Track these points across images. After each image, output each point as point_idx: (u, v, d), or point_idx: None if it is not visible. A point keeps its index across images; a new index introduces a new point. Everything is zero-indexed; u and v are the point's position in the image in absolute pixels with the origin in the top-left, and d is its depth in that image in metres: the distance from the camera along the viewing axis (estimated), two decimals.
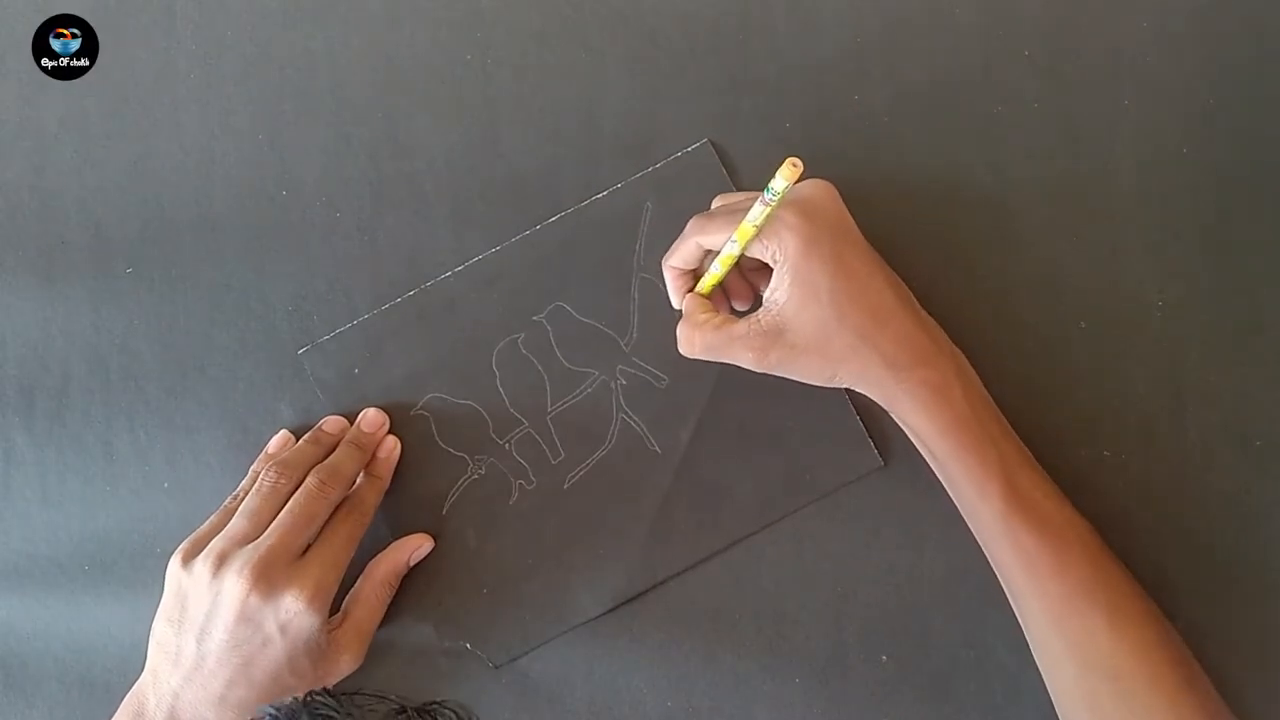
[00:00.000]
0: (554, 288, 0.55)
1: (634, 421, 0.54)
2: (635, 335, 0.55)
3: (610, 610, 0.53)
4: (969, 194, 0.54)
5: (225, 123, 0.57)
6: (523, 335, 0.55)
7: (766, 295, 0.48)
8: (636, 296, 0.55)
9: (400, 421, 0.54)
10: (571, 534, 0.54)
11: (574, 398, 0.55)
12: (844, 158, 0.54)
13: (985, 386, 0.49)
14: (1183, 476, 0.53)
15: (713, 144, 0.54)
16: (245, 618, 0.47)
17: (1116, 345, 0.53)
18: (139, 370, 0.56)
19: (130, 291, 0.56)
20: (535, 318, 0.55)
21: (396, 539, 0.54)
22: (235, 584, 0.47)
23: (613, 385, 0.55)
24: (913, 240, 0.53)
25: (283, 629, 0.48)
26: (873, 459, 0.53)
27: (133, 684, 0.50)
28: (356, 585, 0.53)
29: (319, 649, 0.49)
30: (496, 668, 0.53)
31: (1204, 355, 0.53)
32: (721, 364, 0.50)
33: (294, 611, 0.48)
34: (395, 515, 0.54)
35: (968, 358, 0.49)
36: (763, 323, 0.48)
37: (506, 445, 0.54)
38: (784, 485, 0.53)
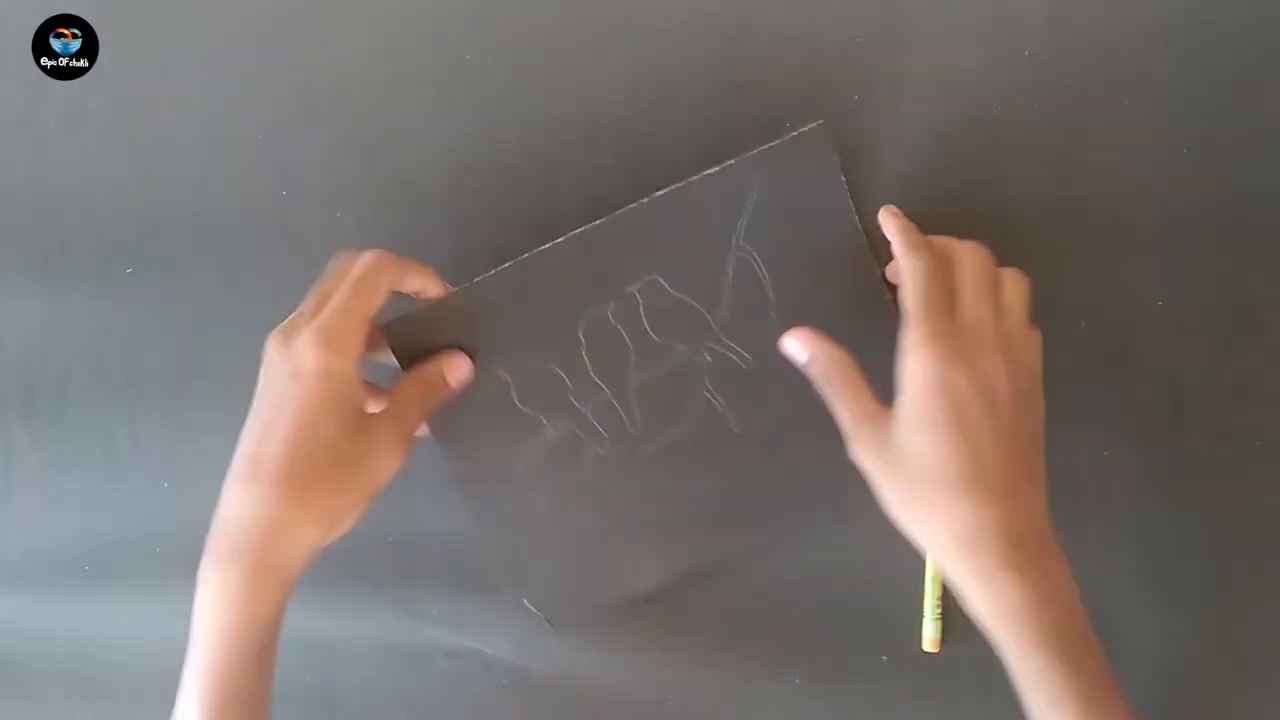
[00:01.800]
0: (650, 260, 0.53)
1: (716, 400, 0.54)
2: (726, 314, 0.53)
3: (672, 583, 0.53)
4: (969, 194, 0.54)
5: (225, 122, 0.57)
6: (613, 306, 0.53)
7: (898, 385, 0.45)
8: (731, 274, 0.53)
9: (480, 384, 0.53)
10: (642, 504, 0.54)
11: (658, 371, 0.54)
12: (843, 157, 0.54)
13: None
14: (1183, 476, 0.53)
15: (827, 126, 0.52)
16: (269, 370, 0.47)
17: (1116, 345, 0.53)
18: (139, 370, 0.56)
19: (131, 291, 0.56)
20: (628, 289, 0.54)
21: (468, 499, 0.53)
22: (278, 349, 0.47)
23: (698, 362, 0.54)
24: None
25: (295, 373, 0.46)
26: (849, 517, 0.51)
27: (132, 683, 0.50)
28: (394, 385, 0.51)
29: (345, 411, 0.46)
30: (554, 627, 0.53)
31: (1204, 355, 0.53)
32: None
33: (302, 348, 0.45)
34: (468, 472, 0.54)
35: None
36: (877, 415, 0.45)
37: (585, 410, 0.54)
38: (861, 481, 0.49)
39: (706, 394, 0.54)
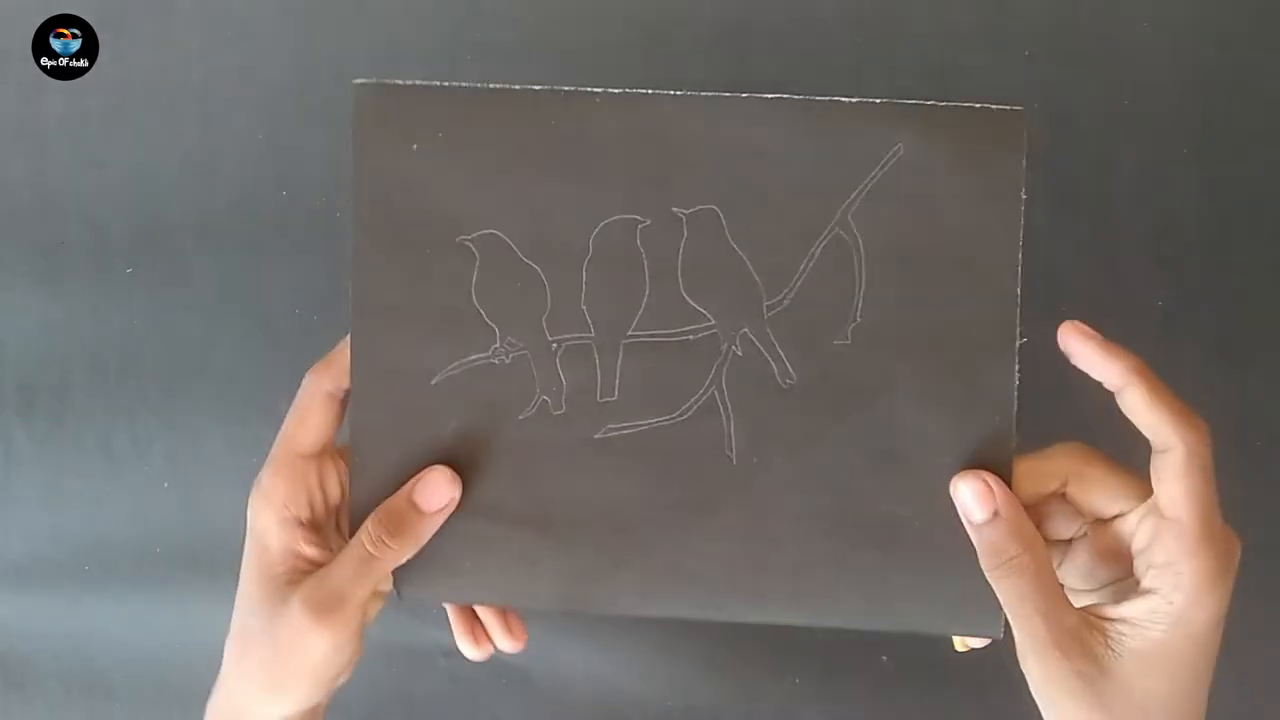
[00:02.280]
0: (717, 185, 0.39)
1: (724, 406, 0.40)
2: (788, 302, 0.39)
3: (575, 611, 0.41)
4: None
5: (225, 122, 0.57)
6: (649, 223, 0.39)
7: (1131, 607, 0.35)
8: (817, 254, 0.39)
9: (436, 246, 0.40)
10: (575, 494, 0.40)
11: (667, 335, 0.40)
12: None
13: None
14: None
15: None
16: None
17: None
18: (139, 370, 0.56)
19: (131, 291, 0.56)
20: (676, 210, 0.39)
21: (358, 391, 0.40)
22: None
23: (724, 348, 0.40)
24: None
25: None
26: (994, 625, 0.38)
27: (132, 683, 0.50)
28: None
29: (263, 578, 0.39)
30: (399, 595, 0.41)
31: (1204, 355, 0.53)
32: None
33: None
34: (370, 356, 0.40)
35: None
36: (1079, 632, 0.34)
37: (554, 345, 0.40)
38: (864, 595, 0.39)
39: (716, 392, 0.40)
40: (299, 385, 0.41)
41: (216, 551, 0.54)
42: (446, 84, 0.40)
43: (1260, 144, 0.54)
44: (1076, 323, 0.37)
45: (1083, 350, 0.37)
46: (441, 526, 0.39)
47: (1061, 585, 0.36)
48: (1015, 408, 0.38)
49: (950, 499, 0.37)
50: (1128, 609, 0.35)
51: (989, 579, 0.36)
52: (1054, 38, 0.55)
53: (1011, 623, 0.36)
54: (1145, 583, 0.35)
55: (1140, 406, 0.35)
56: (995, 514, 0.36)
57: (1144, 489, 0.36)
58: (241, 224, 0.56)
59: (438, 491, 0.39)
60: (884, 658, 0.53)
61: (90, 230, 0.57)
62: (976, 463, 0.38)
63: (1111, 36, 0.54)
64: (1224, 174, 0.54)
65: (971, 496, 0.36)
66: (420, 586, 0.40)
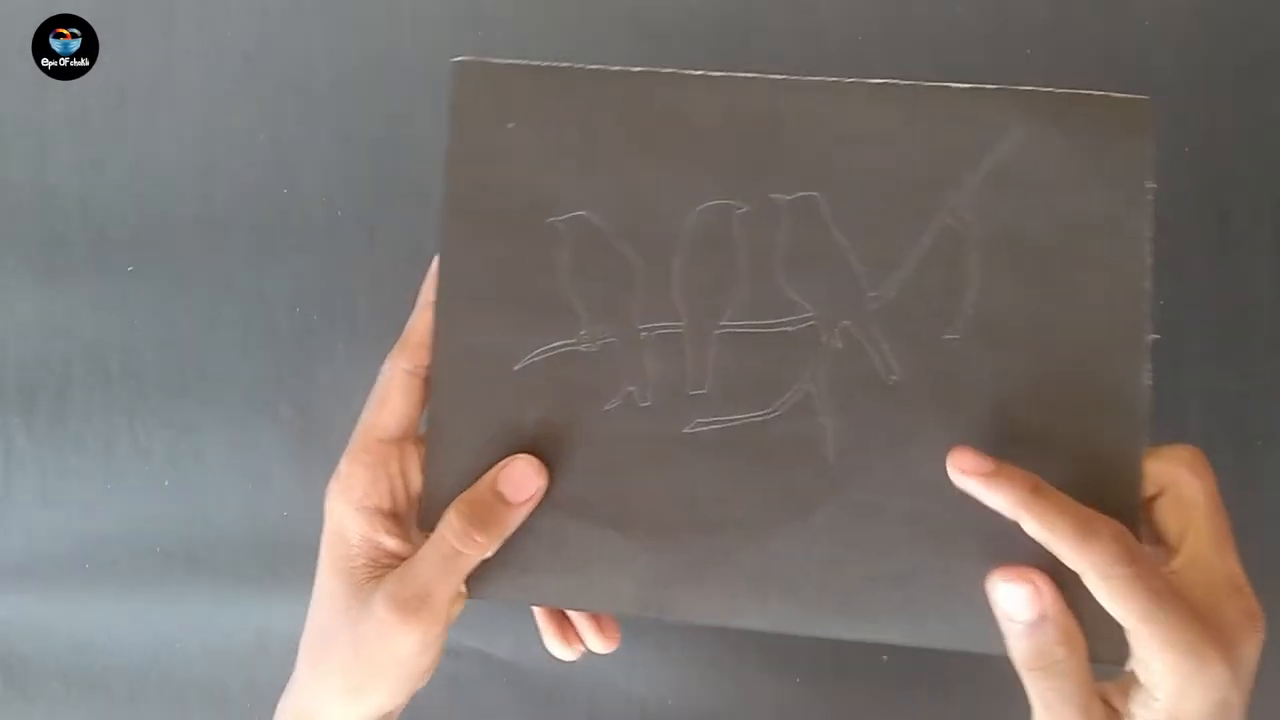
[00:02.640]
0: (819, 172, 0.37)
1: (821, 402, 0.38)
2: (893, 294, 0.37)
3: (655, 617, 0.39)
4: None
5: (226, 122, 0.57)
6: (747, 209, 0.38)
7: (1134, 701, 0.34)
8: (927, 244, 0.37)
9: (525, 228, 0.38)
10: (660, 492, 0.38)
11: (763, 326, 0.38)
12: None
13: None
14: None
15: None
16: None
17: None
18: (139, 370, 0.56)
19: (131, 290, 0.56)
20: (776, 196, 0.38)
21: (438, 385, 0.38)
22: None
23: (823, 341, 0.38)
24: None
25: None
26: (1118, 651, 0.34)
27: (132, 682, 0.50)
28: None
29: (342, 573, 0.37)
30: (470, 596, 0.39)
31: (1204, 355, 0.53)
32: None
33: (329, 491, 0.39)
34: (449, 347, 0.39)
35: None
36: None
37: (643, 333, 0.38)
38: (975, 612, 0.36)
39: (811, 391, 0.38)
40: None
41: (217, 551, 0.55)
42: (544, 64, 0.39)
43: (1260, 144, 0.54)
44: (965, 450, 0.34)
45: (967, 485, 0.34)
46: (524, 526, 0.38)
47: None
48: (1148, 409, 0.36)
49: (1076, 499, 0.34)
50: (1133, 703, 0.33)
51: (1023, 675, 0.34)
52: (1054, 38, 0.54)
53: (1041, 716, 0.34)
54: (1138, 673, 0.33)
55: (1040, 535, 0.33)
56: (1043, 616, 0.33)
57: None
58: (242, 223, 0.56)
59: (525, 481, 0.37)
60: (885, 657, 0.53)
61: (91, 230, 0.57)
62: (1103, 466, 0.35)
63: (1111, 36, 0.54)
64: (1224, 173, 0.54)
65: (1016, 600, 0.34)
66: (494, 585, 0.38)
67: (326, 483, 0.39)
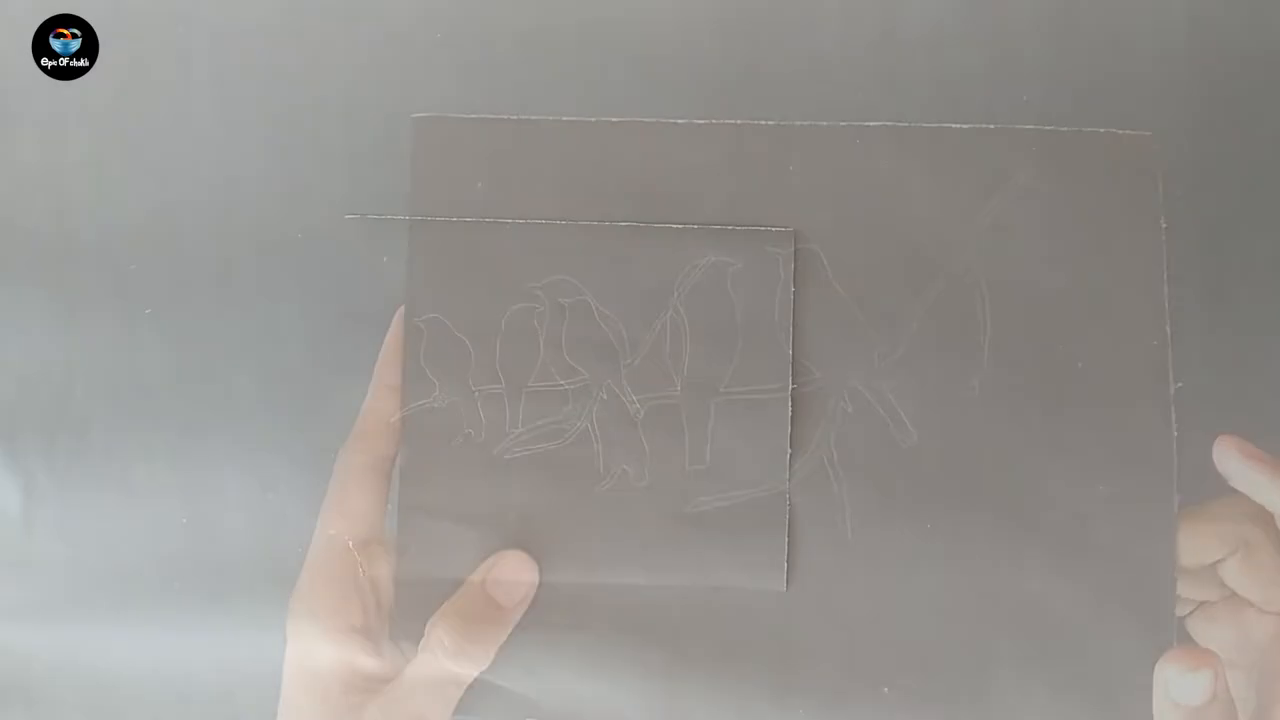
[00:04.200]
0: (814, 222, 0.36)
1: (834, 470, 0.36)
2: (902, 350, 0.35)
3: None
4: None
5: (226, 122, 0.57)
6: (740, 265, 0.36)
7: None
8: (932, 295, 0.35)
9: (500, 292, 0.37)
10: (663, 580, 0.37)
11: (766, 391, 0.36)
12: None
13: None
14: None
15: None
16: None
17: None
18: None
19: (136, 293, 0.56)
20: (771, 249, 0.36)
21: (406, 475, 0.35)
22: None
23: (831, 405, 0.36)
24: None
25: None
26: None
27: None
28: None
29: (316, 684, 0.35)
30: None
31: (1204, 355, 0.53)
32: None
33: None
34: (418, 429, 0.37)
35: None
36: None
37: (636, 406, 0.36)
38: (1019, 690, 0.35)
39: (824, 460, 0.35)
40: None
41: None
42: (510, 117, 0.37)
43: (1260, 143, 0.54)
44: (1234, 439, 0.32)
45: (1243, 471, 0.32)
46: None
47: None
48: (1176, 462, 0.35)
49: (1113, 572, 0.32)
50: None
51: None
52: (1054, 39, 0.54)
53: None
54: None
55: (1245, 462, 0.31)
56: (1215, 698, 0.30)
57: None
58: (242, 224, 0.56)
59: (517, 579, 0.33)
60: (885, 689, 0.53)
61: (91, 229, 0.57)
62: (1133, 528, 0.33)
63: (1111, 36, 0.54)
64: (1224, 173, 0.54)
65: (1194, 686, 0.30)
66: (478, 708, 0.35)
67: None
